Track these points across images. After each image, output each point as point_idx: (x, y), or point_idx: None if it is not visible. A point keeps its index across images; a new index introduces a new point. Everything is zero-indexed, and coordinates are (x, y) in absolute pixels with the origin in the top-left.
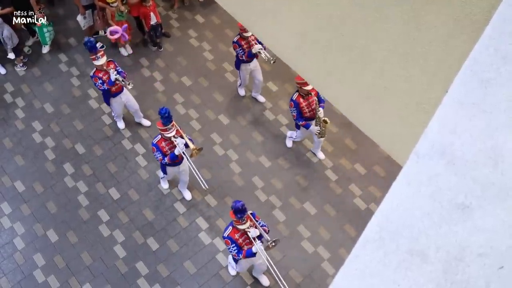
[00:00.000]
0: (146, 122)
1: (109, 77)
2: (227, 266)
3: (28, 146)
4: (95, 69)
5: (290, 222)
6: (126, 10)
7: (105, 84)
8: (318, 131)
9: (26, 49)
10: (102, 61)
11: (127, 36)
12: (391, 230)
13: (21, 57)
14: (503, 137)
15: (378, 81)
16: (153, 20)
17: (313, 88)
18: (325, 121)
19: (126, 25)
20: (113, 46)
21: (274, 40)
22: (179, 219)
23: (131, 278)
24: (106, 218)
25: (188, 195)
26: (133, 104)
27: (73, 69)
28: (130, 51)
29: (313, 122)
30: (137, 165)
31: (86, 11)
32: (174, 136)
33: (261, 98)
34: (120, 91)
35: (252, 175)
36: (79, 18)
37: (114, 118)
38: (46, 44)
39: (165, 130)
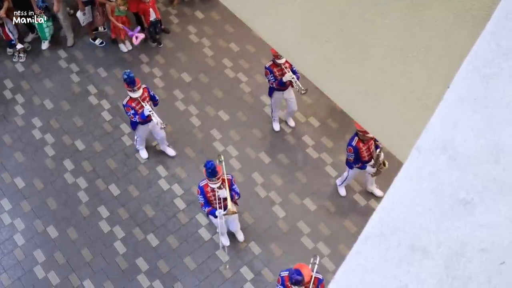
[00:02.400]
0: (171, 152)
1: (142, 107)
2: (227, 261)
3: (28, 143)
4: (128, 97)
5: (290, 218)
6: (126, 8)
7: (137, 117)
8: (374, 172)
9: (25, 46)
10: (138, 93)
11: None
12: (393, 225)
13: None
14: (505, 133)
15: (378, 76)
16: (152, 16)
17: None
18: (384, 164)
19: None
20: (113, 42)
21: (273, 35)
22: (179, 215)
23: (131, 274)
24: (106, 214)
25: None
26: (160, 132)
27: (72, 65)
28: (130, 47)
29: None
30: (137, 162)
31: (86, 7)
32: (219, 187)
33: (291, 122)
34: (150, 119)
35: (252, 171)
36: (79, 14)
37: (136, 145)
38: (46, 39)
39: (211, 181)
